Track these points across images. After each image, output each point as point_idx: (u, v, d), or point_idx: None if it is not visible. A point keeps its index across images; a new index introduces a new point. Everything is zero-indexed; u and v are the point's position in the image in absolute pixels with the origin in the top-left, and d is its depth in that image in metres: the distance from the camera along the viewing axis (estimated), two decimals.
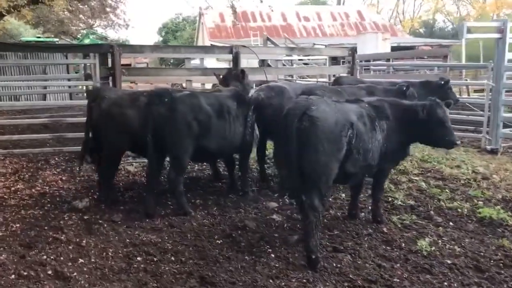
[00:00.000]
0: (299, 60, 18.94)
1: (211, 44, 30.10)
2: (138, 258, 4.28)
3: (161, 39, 51.19)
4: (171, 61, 45.03)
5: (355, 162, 4.36)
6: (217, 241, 4.71)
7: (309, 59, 19.52)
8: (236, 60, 9.30)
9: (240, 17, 37.00)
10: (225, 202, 5.95)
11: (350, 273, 3.97)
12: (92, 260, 4.25)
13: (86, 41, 22.73)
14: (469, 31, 11.37)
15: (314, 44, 24.65)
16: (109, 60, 8.49)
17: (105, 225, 5.12)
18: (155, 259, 4.27)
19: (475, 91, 15.44)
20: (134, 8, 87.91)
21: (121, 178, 7.14)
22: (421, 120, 4.74)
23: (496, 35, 9.17)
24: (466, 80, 15.23)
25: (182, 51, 10.20)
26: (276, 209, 5.63)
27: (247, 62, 12.52)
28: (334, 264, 4.14)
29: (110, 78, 8.51)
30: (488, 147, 9.20)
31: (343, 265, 4.13)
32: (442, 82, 8.17)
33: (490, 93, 9.38)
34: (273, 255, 4.33)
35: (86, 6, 24.82)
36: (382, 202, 5.84)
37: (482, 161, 8.18)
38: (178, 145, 5.37)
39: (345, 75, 9.97)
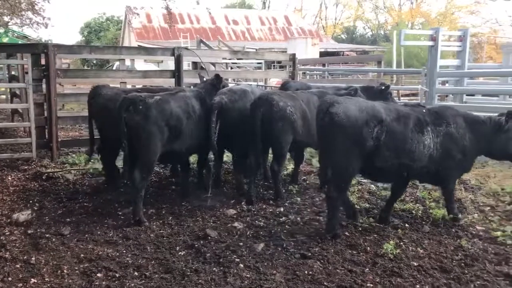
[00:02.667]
0: (233, 63, 18.89)
1: (138, 45, 29.29)
2: (98, 275, 3.95)
3: (83, 39, 49.03)
4: (94, 62, 43.28)
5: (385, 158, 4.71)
6: (180, 252, 4.48)
7: (242, 63, 19.54)
8: (178, 62, 9.05)
9: (168, 19, 36.34)
10: (179, 210, 5.71)
11: (323, 280, 3.92)
12: (46, 279, 3.87)
13: (4, 40, 21.12)
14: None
15: (245, 47, 24.76)
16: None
17: (54, 240, 4.70)
18: (117, 275, 3.96)
19: (403, 95, 16.20)
20: (54, 6, 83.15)
21: (61, 187, 6.65)
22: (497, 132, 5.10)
23: (429, 43, 9.68)
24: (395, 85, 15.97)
25: (123, 52, 9.75)
26: (235, 216, 5.48)
27: (188, 65, 12.24)
28: (306, 272, 4.07)
29: (44, 80, 7.97)
30: None
31: (314, 271, 4.07)
32: (383, 87, 8.45)
33: (424, 98, 9.87)
34: (242, 265, 4.17)
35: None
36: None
37: None
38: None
39: (289, 79, 10.02)
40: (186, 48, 9.48)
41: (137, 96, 5.28)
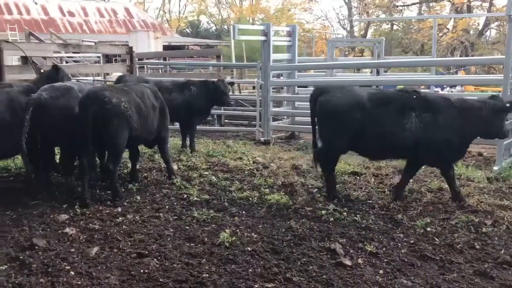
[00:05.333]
0: (69, 57, 17.71)
1: None
2: None
3: None
4: None
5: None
6: (1, 267, 4.04)
7: (79, 57, 18.44)
8: None
9: None
10: (3, 220, 5.15)
11: (159, 277, 3.88)
12: None
13: None
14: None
15: (83, 40, 23.34)
16: None
17: None
18: None
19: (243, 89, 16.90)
20: None
21: None
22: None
23: (262, 38, 10.17)
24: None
25: None
26: (67, 221, 5.13)
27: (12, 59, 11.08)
28: (142, 270, 3.98)
29: None
30: (262, 139, 10.16)
31: (150, 269, 4.01)
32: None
33: (261, 90, 10.38)
34: (72, 273, 3.92)
35: None
36: (179, 199, 5.95)
37: (259, 151, 8.99)
38: None
39: (125, 74, 9.69)
40: (6, 41, 8.56)
41: None
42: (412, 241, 4.67)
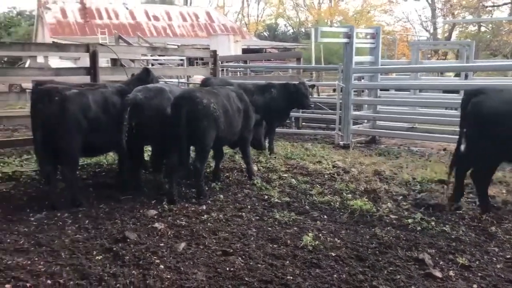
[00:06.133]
0: (154, 60, 18.50)
1: (53, 42, 27.82)
2: (7, 286, 3.69)
3: None
4: (5, 59, 40.50)
5: None
6: (97, 257, 4.28)
7: (164, 60, 19.20)
8: (93, 59, 8.69)
9: (83, 14, 34.89)
10: (97, 213, 5.48)
11: (245, 276, 3.94)
12: None
13: None
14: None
15: (167, 44, 24.32)
16: None
17: None
18: (27, 284, 3.72)
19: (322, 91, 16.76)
20: None
21: None
22: None
23: (344, 40, 10.02)
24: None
25: (32, 48, 9.20)
26: (156, 216, 5.35)
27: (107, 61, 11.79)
28: (227, 268, 4.06)
29: None
30: (341, 143, 10.01)
31: (236, 268, 4.08)
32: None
33: (341, 93, 10.24)
34: (162, 266, 4.08)
35: None
36: (260, 200, 6.00)
37: (339, 155, 8.86)
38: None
39: (210, 76, 9.96)
40: (101, 44, 9.12)
41: (53, 88, 5.14)
42: (508, 256, 4.37)
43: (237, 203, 5.89)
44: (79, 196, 5.77)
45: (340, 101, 10.25)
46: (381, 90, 11.25)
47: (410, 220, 5.22)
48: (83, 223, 5.15)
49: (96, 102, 5.75)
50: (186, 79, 14.95)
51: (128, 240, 4.63)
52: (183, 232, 4.87)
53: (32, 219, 5.28)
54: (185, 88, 7.15)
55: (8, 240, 4.63)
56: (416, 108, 11.03)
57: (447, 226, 5.06)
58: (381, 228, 5.01)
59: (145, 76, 6.70)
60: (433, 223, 5.14)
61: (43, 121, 5.37)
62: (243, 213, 5.49)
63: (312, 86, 10.18)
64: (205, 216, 5.36)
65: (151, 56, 16.44)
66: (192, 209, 5.63)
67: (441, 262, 4.23)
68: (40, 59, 15.35)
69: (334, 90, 13.20)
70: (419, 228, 5.04)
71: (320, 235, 4.83)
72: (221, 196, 6.13)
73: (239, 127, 6.51)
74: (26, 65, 22.59)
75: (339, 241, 4.69)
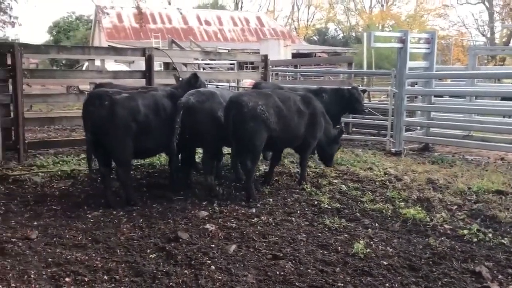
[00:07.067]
0: (206, 64, 18.80)
1: (108, 45, 28.86)
2: (67, 279, 3.86)
3: (51, 38, 48.01)
4: (63, 62, 42.45)
5: None
6: (151, 255, 4.41)
7: (215, 64, 19.48)
8: (149, 62, 8.96)
9: (138, 18, 35.91)
10: (150, 212, 5.64)
11: (295, 280, 3.94)
12: (12, 284, 3.74)
13: None
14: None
15: (218, 48, 24.68)
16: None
17: (20, 244, 4.56)
18: (86, 279, 3.88)
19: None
20: (22, 5, 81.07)
21: (28, 190, 6.49)
22: None
23: (398, 45, 9.83)
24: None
25: (92, 52, 9.58)
26: (207, 218, 5.45)
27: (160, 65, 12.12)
28: (278, 272, 4.07)
29: (10, 80, 7.78)
30: (393, 150, 9.80)
31: (286, 272, 4.08)
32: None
33: (393, 99, 10.04)
34: (213, 267, 4.14)
35: None
36: (310, 205, 5.98)
37: (390, 163, 8.68)
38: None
39: (261, 80, 10.04)
40: (157, 48, 9.39)
41: (104, 92, 5.34)
42: None
43: (287, 208, 5.89)
44: (134, 196, 5.95)
45: (393, 107, 10.06)
46: (435, 96, 10.93)
47: (465, 231, 5.05)
48: (138, 221, 5.31)
49: (146, 105, 5.88)
50: (236, 83, 15.12)
51: (181, 240, 4.73)
52: (233, 234, 4.93)
53: (89, 216, 5.49)
54: (235, 92, 7.21)
55: (67, 236, 4.84)
56: (472, 116, 10.66)
57: (505, 238, 4.85)
58: (435, 238, 4.87)
59: (194, 81, 6.78)
60: (490, 235, 4.95)
61: (94, 124, 5.57)
62: (293, 218, 5.49)
63: (364, 91, 10.04)
64: (255, 219, 5.40)
65: (202, 60, 16.72)
66: (242, 211, 5.68)
67: (499, 276, 4.07)
68: (97, 62, 16.02)
69: (387, 96, 12.96)
70: (475, 239, 4.86)
71: (372, 243, 4.75)
72: (271, 200, 6.15)
73: (301, 130, 6.50)
74: (84, 68, 23.57)
75: (391, 249, 4.60)
